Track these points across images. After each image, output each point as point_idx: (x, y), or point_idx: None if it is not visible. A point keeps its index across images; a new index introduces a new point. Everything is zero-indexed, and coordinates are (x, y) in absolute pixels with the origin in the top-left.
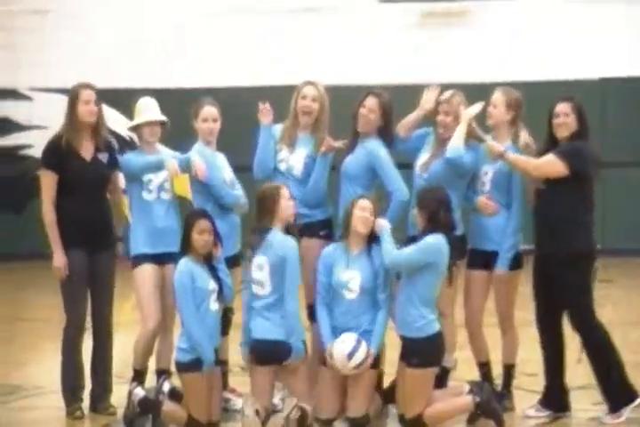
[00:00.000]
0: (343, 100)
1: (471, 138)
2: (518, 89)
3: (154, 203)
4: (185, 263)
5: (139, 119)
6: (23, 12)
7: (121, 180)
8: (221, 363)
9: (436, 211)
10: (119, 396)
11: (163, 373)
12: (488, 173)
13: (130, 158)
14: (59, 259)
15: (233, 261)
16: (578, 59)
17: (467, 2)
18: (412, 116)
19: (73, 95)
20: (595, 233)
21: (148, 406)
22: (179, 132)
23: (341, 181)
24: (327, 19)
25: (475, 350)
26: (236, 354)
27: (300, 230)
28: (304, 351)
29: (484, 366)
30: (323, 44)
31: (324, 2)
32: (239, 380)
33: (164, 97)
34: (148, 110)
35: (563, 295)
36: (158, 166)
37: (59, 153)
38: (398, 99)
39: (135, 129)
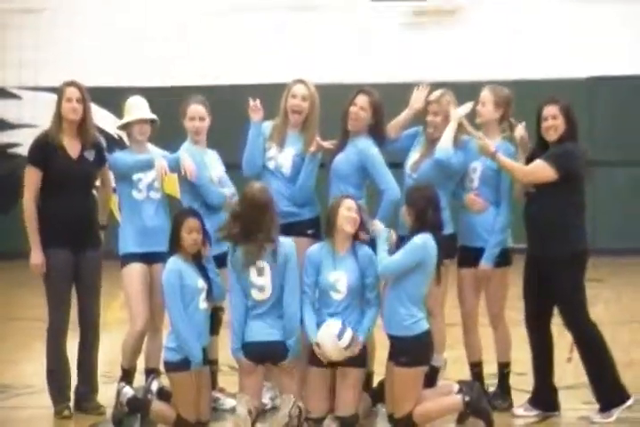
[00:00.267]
0: (334, 98)
1: (462, 135)
2: (508, 87)
3: (143, 202)
4: (174, 262)
5: (128, 117)
6: (15, 10)
7: (111, 178)
8: (211, 362)
9: (424, 209)
10: (107, 395)
11: (151, 372)
12: (477, 169)
13: (119, 157)
14: (36, 256)
15: (222, 260)
16: (566, 58)
17: (458, 0)
18: (402, 117)
19: (59, 93)
20: (586, 232)
21: (137, 406)
22: (176, 131)
23: (331, 179)
24: (318, 17)
25: (468, 350)
26: (225, 353)
27: (288, 229)
28: (300, 352)
29: (477, 367)
30: (313, 42)
31: (314, 1)
32: (228, 379)
33: (153, 95)
34: (138, 109)
35: (556, 295)
36: (148, 165)
37: (45, 150)
38: (389, 97)
39: (125, 127)
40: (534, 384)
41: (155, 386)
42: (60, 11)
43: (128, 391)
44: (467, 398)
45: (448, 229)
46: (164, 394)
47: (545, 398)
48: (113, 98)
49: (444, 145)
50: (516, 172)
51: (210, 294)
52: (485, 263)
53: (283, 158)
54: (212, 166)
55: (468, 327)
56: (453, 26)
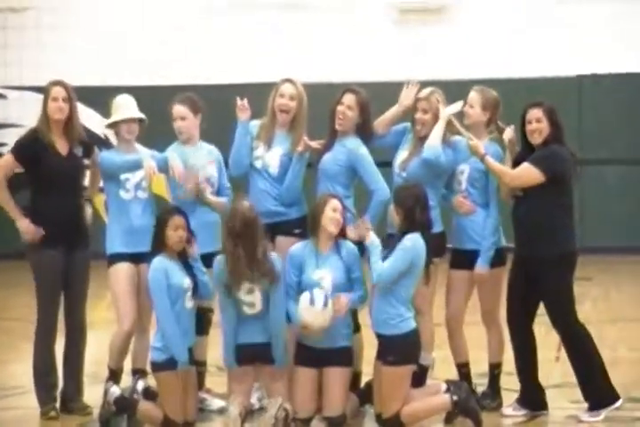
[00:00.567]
0: (322, 97)
1: (452, 133)
2: (496, 86)
3: (131, 202)
4: (159, 261)
5: (116, 116)
6: (0, 9)
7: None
8: (199, 363)
9: (412, 208)
10: (94, 396)
11: (138, 373)
12: (464, 171)
13: (107, 157)
14: (23, 224)
15: (210, 260)
16: (555, 56)
17: None
18: (391, 113)
19: (45, 92)
20: (575, 232)
21: (124, 405)
22: (165, 130)
23: (319, 179)
24: (304, 16)
25: (454, 351)
26: (213, 354)
27: (275, 229)
28: (286, 362)
29: (464, 367)
30: (300, 41)
31: (302, 1)
32: (216, 380)
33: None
34: (126, 108)
35: (544, 295)
36: (136, 165)
37: (34, 147)
38: (376, 96)
39: (112, 126)
40: (521, 384)
41: (140, 386)
42: (46, 9)
43: (115, 391)
44: (455, 398)
45: (437, 228)
46: (149, 394)
47: (532, 397)
48: (99, 97)
49: (432, 143)
50: (504, 176)
51: (195, 293)
52: (481, 267)
53: (270, 158)
54: (201, 165)
55: (453, 330)
56: (442, 24)
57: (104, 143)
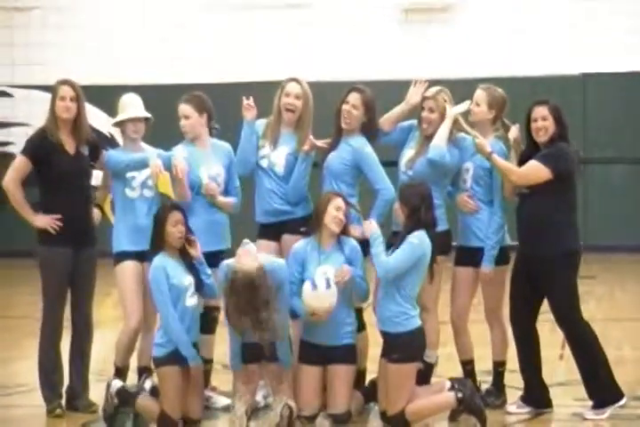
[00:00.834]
0: (327, 96)
1: (458, 132)
2: (501, 85)
3: (137, 200)
4: (159, 259)
5: (123, 115)
6: (6, 8)
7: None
8: (205, 361)
9: (417, 206)
10: (100, 394)
11: (144, 370)
12: (469, 169)
13: (113, 155)
14: (37, 220)
15: (216, 258)
16: (560, 54)
17: None
18: (397, 110)
19: (53, 91)
20: (579, 230)
21: (126, 397)
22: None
23: (325, 177)
24: (309, 15)
25: (459, 348)
26: (219, 351)
27: (280, 227)
28: (290, 365)
29: (468, 365)
30: (305, 40)
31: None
32: (221, 377)
33: (147, 93)
34: (133, 107)
35: (548, 293)
36: (142, 164)
37: (43, 146)
38: (381, 95)
39: (119, 125)
40: (524, 382)
41: (148, 384)
42: (51, 9)
43: (117, 383)
44: (459, 395)
45: (442, 226)
46: (157, 393)
47: (536, 395)
48: (105, 96)
49: (438, 143)
50: (511, 174)
51: (199, 289)
52: (486, 266)
53: (276, 157)
54: (207, 165)
55: (458, 328)
56: (446, 23)
57: (110, 142)
